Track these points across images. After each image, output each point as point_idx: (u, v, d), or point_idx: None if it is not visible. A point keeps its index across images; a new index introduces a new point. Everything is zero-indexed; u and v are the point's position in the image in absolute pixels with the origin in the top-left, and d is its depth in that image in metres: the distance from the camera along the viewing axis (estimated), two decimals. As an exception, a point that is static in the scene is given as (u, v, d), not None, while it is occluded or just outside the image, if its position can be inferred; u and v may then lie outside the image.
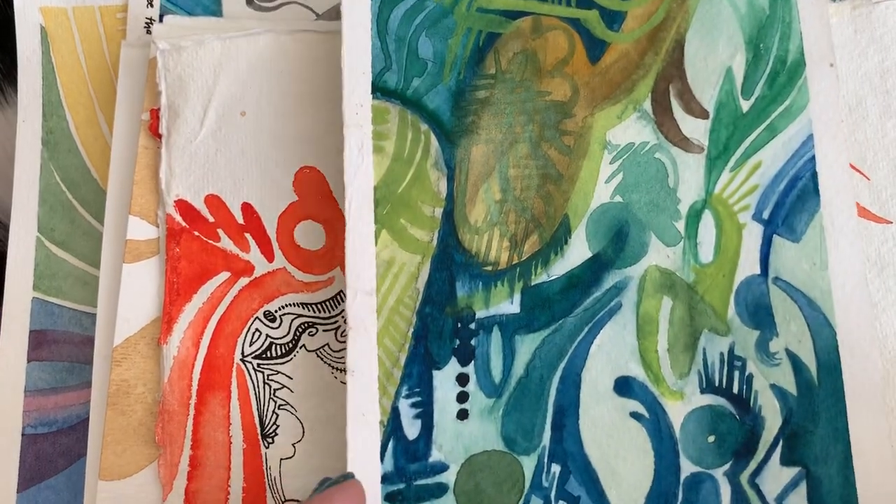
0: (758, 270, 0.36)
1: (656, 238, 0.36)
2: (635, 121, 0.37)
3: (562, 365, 0.35)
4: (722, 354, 0.35)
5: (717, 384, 0.35)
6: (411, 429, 0.34)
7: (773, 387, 0.35)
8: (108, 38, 0.40)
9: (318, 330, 0.37)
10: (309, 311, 0.37)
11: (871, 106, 0.38)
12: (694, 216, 0.36)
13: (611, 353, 0.35)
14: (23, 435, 0.36)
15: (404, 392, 0.34)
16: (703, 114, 0.37)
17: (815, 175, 0.37)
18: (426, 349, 0.34)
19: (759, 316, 0.36)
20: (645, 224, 0.36)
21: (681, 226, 0.36)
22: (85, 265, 0.38)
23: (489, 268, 0.35)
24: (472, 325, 0.35)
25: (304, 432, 0.36)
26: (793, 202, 0.36)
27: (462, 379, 0.35)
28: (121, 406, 0.35)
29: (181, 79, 0.37)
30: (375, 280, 0.34)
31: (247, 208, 0.37)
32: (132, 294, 0.36)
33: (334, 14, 0.40)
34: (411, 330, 0.35)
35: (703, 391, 0.35)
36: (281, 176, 0.37)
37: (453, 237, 0.35)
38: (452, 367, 0.35)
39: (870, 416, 0.34)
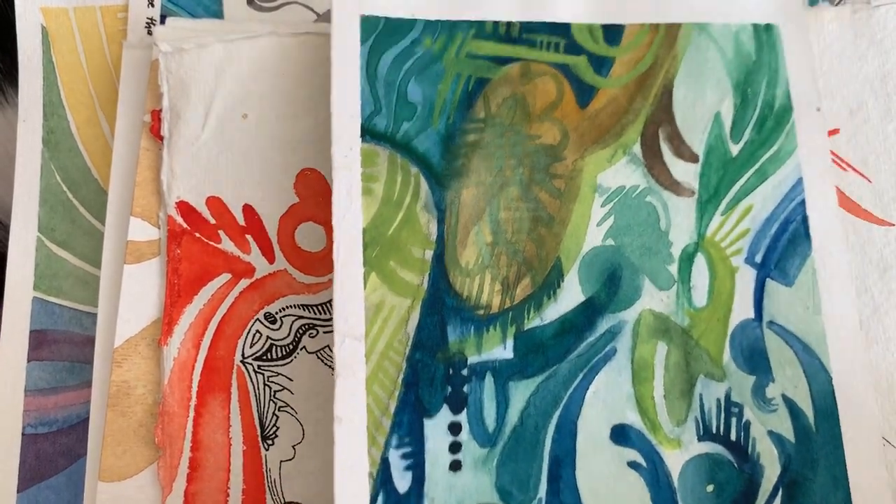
0: (752, 314, 0.36)
1: (650, 282, 0.36)
2: (625, 164, 0.37)
3: (557, 413, 0.34)
4: (719, 400, 0.35)
5: (714, 431, 0.34)
6: (402, 481, 0.33)
7: (771, 433, 0.34)
8: (108, 37, 0.40)
9: (318, 332, 0.36)
10: (309, 312, 0.36)
11: (872, 109, 0.37)
12: (686, 260, 0.36)
13: (606, 399, 0.34)
14: (23, 434, 0.36)
15: (394, 442, 0.33)
16: (693, 157, 0.37)
17: (805, 219, 0.37)
18: (417, 396, 0.33)
19: (755, 361, 0.35)
20: (638, 267, 0.36)
21: (674, 269, 0.36)
22: (85, 265, 0.38)
23: (481, 312, 0.35)
24: (465, 372, 0.34)
25: (304, 434, 0.35)
26: (785, 246, 0.36)
27: (454, 428, 0.33)
28: (121, 407, 0.35)
29: (183, 81, 0.37)
30: (364, 325, 0.33)
31: (248, 210, 0.37)
32: (133, 295, 0.36)
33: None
34: (401, 376, 0.33)
35: (700, 438, 0.34)
36: (282, 178, 0.37)
37: (444, 280, 0.35)
38: (444, 416, 0.33)
39: (869, 464, 0.34)
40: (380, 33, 0.36)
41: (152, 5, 0.40)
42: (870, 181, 0.38)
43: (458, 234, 0.35)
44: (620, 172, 0.37)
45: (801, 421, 0.34)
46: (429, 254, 0.35)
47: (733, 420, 0.35)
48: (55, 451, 0.36)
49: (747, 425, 0.34)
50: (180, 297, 0.36)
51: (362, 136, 0.35)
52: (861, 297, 0.36)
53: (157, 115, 0.37)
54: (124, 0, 0.40)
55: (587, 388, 0.34)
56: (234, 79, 0.37)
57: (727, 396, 0.35)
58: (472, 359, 0.34)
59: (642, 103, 0.38)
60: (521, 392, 0.34)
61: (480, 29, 0.37)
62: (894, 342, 0.36)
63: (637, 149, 0.37)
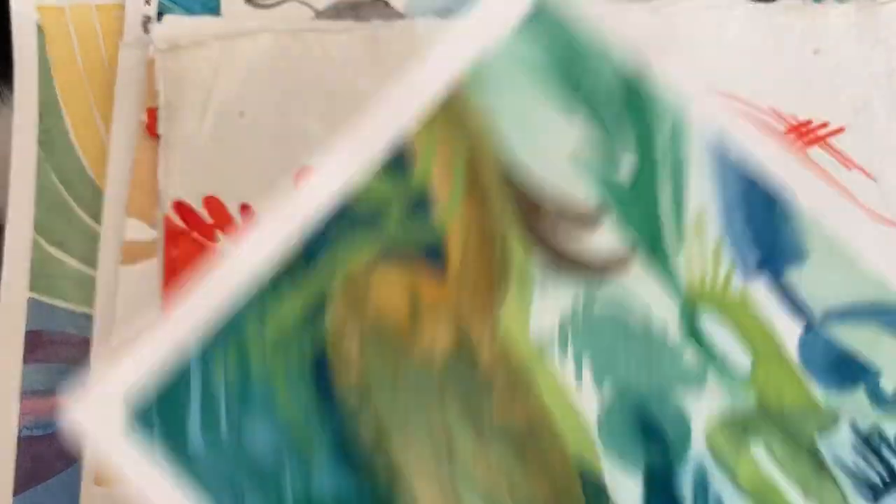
0: (801, 325, 0.27)
1: (682, 393, 0.26)
2: (542, 290, 0.27)
3: None
4: (853, 446, 0.26)
5: (874, 482, 0.26)
6: None
7: (927, 425, 0.27)
8: (104, 36, 0.39)
9: None
10: None
11: (879, 108, 0.35)
12: (692, 335, 0.27)
13: (756, 559, 0.26)
14: (19, 437, 0.35)
15: None
16: (596, 218, 0.27)
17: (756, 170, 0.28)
18: None
19: (845, 369, 0.27)
20: (658, 390, 0.26)
21: (691, 357, 0.27)
22: (82, 265, 0.37)
23: None
24: None
25: None
26: (764, 221, 0.27)
27: None
28: None
29: (180, 79, 0.36)
30: None
31: (246, 209, 0.35)
32: (130, 296, 0.35)
33: (333, 12, 0.39)
34: None
35: (877, 499, 0.26)
36: (280, 177, 0.33)
37: None
38: None
39: None
40: (160, 431, 0.24)
41: (149, 3, 0.39)
42: (875, 180, 0.35)
43: (460, 551, 0.25)
44: (547, 303, 0.27)
45: (940, 384, 0.27)
46: None
47: (884, 449, 0.26)
48: (51, 453, 0.35)
49: (899, 441, 0.27)
50: (178, 299, 0.32)
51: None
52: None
53: (153, 114, 0.36)
54: None
55: (732, 571, 0.25)
56: (231, 77, 0.36)
57: (856, 432, 0.27)
58: None
59: (499, 215, 0.27)
60: None
61: (255, 310, 0.26)
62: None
63: (535, 268, 0.27)
